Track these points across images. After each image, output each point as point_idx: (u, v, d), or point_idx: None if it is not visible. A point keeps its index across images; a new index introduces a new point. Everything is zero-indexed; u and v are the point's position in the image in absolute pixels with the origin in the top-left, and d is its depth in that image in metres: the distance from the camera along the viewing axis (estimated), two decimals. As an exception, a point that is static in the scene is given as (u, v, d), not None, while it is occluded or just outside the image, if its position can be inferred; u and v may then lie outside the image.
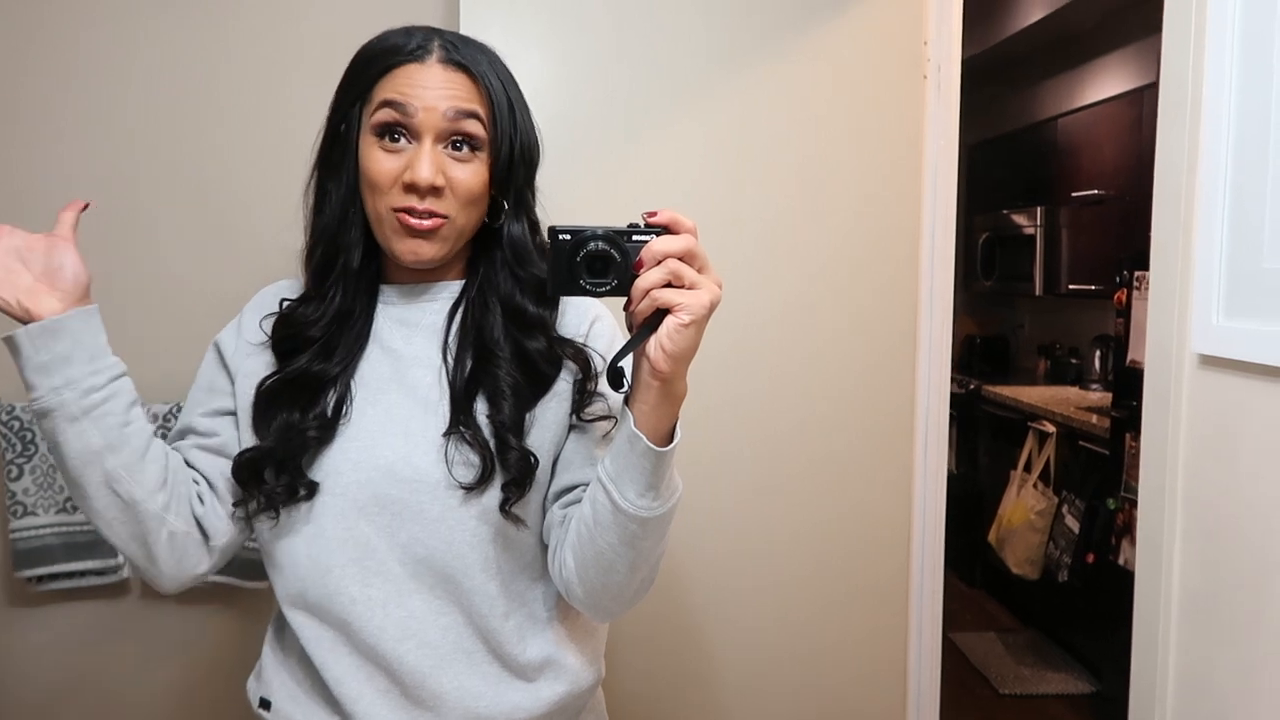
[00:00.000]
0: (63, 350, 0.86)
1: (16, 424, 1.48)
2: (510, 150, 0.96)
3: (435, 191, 0.92)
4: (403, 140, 0.92)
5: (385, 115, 0.92)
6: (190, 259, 1.56)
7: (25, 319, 0.85)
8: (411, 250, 0.94)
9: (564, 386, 0.98)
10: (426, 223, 0.92)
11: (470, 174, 0.94)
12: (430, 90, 0.92)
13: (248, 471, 0.97)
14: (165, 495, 0.93)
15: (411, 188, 0.91)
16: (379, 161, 0.92)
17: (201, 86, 1.55)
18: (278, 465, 0.95)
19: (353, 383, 0.98)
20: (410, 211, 0.92)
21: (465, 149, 0.94)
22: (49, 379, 0.85)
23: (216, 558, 1.00)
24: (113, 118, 1.52)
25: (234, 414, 1.01)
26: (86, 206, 0.94)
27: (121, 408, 0.90)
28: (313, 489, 0.95)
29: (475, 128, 0.93)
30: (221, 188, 1.56)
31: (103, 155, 1.52)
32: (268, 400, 0.98)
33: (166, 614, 1.59)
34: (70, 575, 1.53)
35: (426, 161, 0.91)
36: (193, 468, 0.99)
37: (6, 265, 0.86)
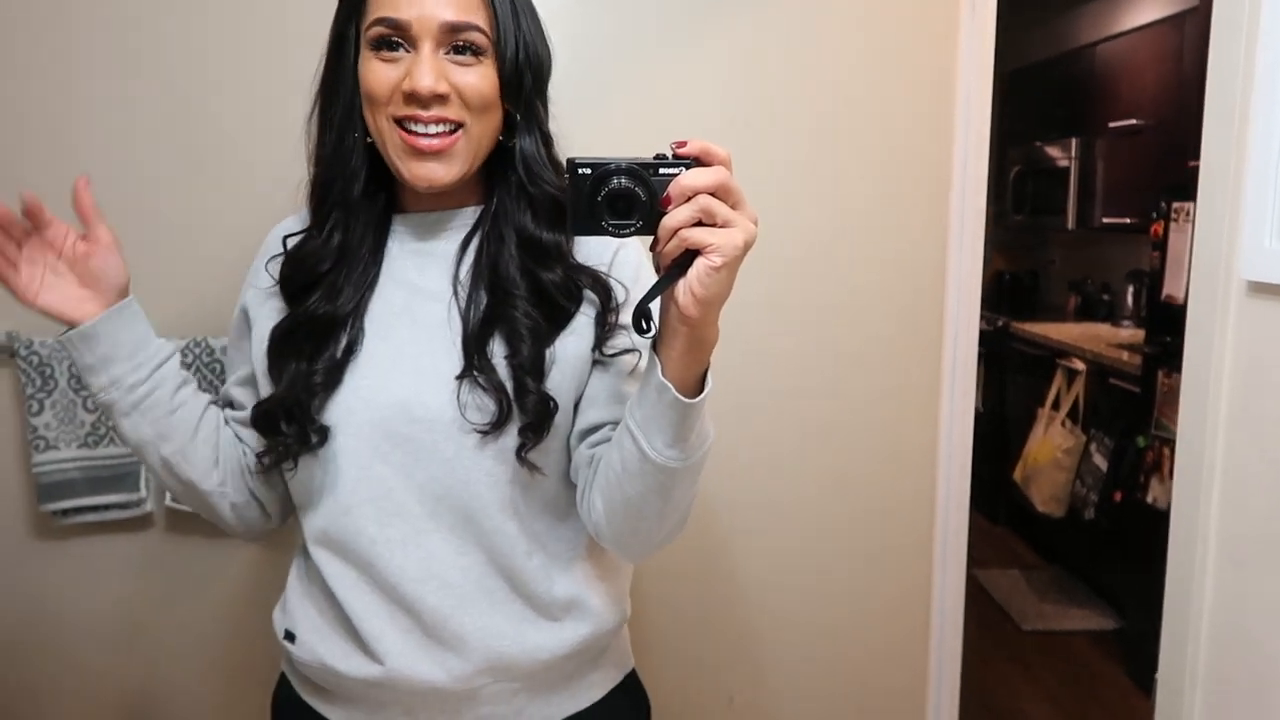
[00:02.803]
0: (104, 352, 0.91)
1: (36, 359, 1.48)
2: (515, 55, 0.91)
3: (439, 99, 0.87)
4: (401, 50, 0.88)
5: (379, 30, 0.88)
6: (190, 196, 1.53)
7: (70, 324, 0.91)
8: (422, 175, 0.90)
9: (584, 320, 0.94)
10: (435, 141, 0.88)
11: (478, 77, 0.89)
12: None
13: (264, 423, 0.96)
14: (219, 473, 1.00)
15: (412, 97, 0.87)
16: (375, 72, 0.88)
17: (199, 18, 1.50)
18: (287, 414, 0.93)
19: (364, 321, 0.96)
20: (415, 121, 0.88)
21: (468, 53, 0.89)
22: (97, 379, 0.92)
23: (277, 516, 1.09)
24: (112, 58, 1.48)
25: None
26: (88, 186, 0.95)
27: (166, 396, 0.95)
28: (324, 434, 0.93)
29: (475, 35, 0.89)
30: (217, 123, 1.52)
31: (103, 96, 1.49)
32: (278, 348, 0.96)
33: (191, 546, 1.60)
34: (94, 509, 1.53)
35: (426, 67, 0.87)
36: (240, 440, 1.03)
37: (49, 276, 0.91)
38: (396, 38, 0.87)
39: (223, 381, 1.51)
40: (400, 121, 0.89)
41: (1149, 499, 2.73)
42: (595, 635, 1.00)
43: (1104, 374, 3.18)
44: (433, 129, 0.88)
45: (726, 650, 1.77)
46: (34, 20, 1.46)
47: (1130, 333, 3.54)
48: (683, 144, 0.74)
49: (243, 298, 1.05)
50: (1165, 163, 3.26)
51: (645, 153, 0.75)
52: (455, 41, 0.88)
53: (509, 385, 0.90)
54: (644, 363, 0.88)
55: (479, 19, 0.89)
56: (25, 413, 1.49)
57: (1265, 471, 0.98)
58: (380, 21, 0.87)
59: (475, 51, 0.89)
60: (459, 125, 0.89)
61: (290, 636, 1.01)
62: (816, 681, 1.80)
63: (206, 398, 1.02)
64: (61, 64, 1.47)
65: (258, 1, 1.50)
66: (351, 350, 0.94)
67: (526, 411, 0.90)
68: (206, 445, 0.99)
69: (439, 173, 0.90)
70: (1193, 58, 3.09)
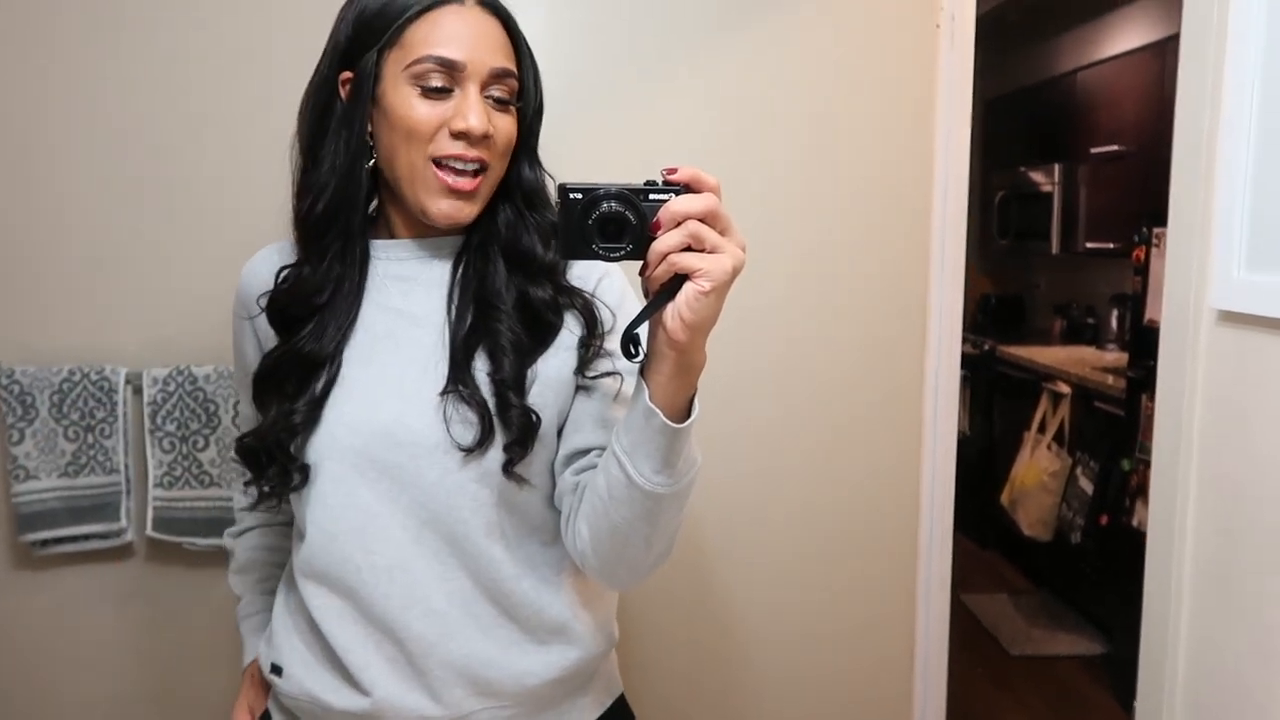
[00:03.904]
0: None
1: (16, 388, 1.48)
2: (537, 99, 0.96)
3: (485, 141, 0.90)
4: (446, 89, 0.89)
5: (427, 66, 0.88)
6: (174, 227, 1.53)
7: None
8: (449, 213, 0.91)
9: (569, 340, 0.95)
10: (466, 181, 0.90)
11: (508, 124, 0.93)
12: (475, 39, 0.89)
13: (247, 459, 0.97)
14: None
15: (463, 136, 0.88)
16: (418, 109, 0.89)
17: (184, 49, 1.51)
18: (268, 454, 0.94)
19: (345, 353, 0.96)
20: (459, 160, 0.89)
21: (504, 99, 0.92)
22: None
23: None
24: (94, 88, 1.49)
25: None
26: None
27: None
28: (306, 473, 0.94)
29: (513, 83, 0.92)
30: (201, 154, 1.53)
31: (87, 125, 1.49)
32: (263, 384, 0.97)
33: (172, 576, 1.59)
34: (74, 539, 1.53)
35: (478, 109, 0.88)
36: None
37: None
38: (443, 77, 0.89)
39: (204, 408, 1.52)
40: (438, 160, 0.90)
41: (1134, 522, 2.74)
42: (583, 660, 0.99)
43: (1089, 397, 3.19)
44: (469, 168, 0.90)
45: (710, 675, 1.76)
46: (16, 48, 1.46)
47: (1115, 356, 3.56)
48: (673, 170, 0.74)
49: (238, 328, 1.05)
50: (1147, 188, 3.29)
51: (634, 180, 0.76)
52: (495, 86, 0.91)
53: (491, 402, 0.91)
54: (629, 388, 0.88)
55: (515, 66, 0.93)
56: (5, 442, 1.48)
57: (1239, 497, 0.98)
58: (430, 59, 0.88)
59: (509, 98, 0.92)
60: (485, 167, 0.91)
61: (277, 670, 1.00)
62: (803, 707, 1.79)
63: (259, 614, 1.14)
64: (44, 92, 1.48)
65: (244, 30, 1.51)
66: (330, 387, 0.95)
67: (510, 427, 0.91)
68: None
69: (465, 211, 0.92)
70: (1173, 85, 3.12)
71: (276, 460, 0.94)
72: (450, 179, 0.89)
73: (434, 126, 0.89)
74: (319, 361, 0.95)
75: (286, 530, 1.12)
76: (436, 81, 0.88)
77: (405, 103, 0.89)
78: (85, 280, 1.52)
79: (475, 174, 0.90)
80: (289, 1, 1.50)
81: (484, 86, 0.90)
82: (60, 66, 1.47)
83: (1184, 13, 1.06)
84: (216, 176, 1.53)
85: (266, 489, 0.97)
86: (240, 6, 1.51)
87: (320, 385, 0.94)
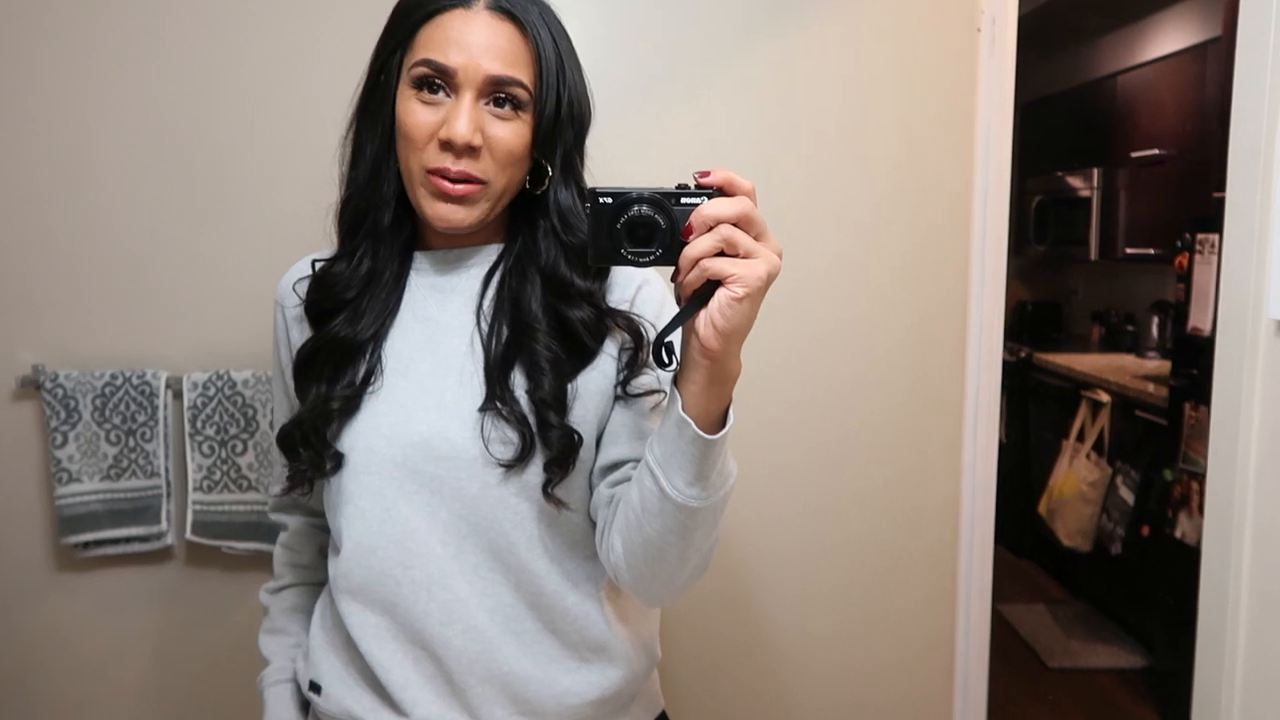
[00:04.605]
0: None
1: (60, 391, 1.49)
2: (556, 109, 0.90)
3: (471, 151, 0.87)
4: (441, 93, 0.88)
5: (423, 70, 0.87)
6: (216, 233, 1.54)
7: None
8: (443, 216, 0.89)
9: (608, 357, 0.93)
10: (460, 186, 0.88)
11: (510, 133, 0.89)
12: (474, 44, 0.86)
13: (285, 445, 0.96)
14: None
15: (447, 145, 0.87)
16: (415, 114, 0.88)
17: (225, 56, 1.52)
18: (304, 438, 0.93)
19: (384, 351, 0.95)
20: (444, 173, 0.87)
21: (507, 106, 0.88)
22: None
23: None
24: (137, 94, 1.51)
25: None
26: None
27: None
28: (339, 460, 0.93)
29: (518, 90, 0.88)
30: (244, 159, 1.54)
31: (130, 132, 1.51)
32: (302, 371, 0.96)
33: (211, 579, 1.60)
34: (115, 541, 1.54)
35: (464, 118, 0.86)
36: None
37: None
38: (439, 81, 0.87)
39: (243, 413, 1.53)
40: (429, 170, 0.89)
41: (1177, 534, 2.68)
42: (625, 680, 0.98)
43: (1129, 406, 3.13)
44: (459, 184, 0.88)
45: (752, 694, 1.75)
46: (59, 55, 1.48)
47: (1155, 364, 3.50)
48: (706, 174, 0.72)
49: (276, 327, 1.05)
50: (1189, 193, 3.23)
51: (668, 185, 0.74)
52: (497, 94, 0.88)
53: (531, 419, 0.89)
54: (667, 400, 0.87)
55: (523, 73, 0.88)
56: (49, 445, 1.50)
57: (1298, 512, 0.96)
58: (425, 63, 0.87)
59: (515, 105, 0.89)
60: (482, 181, 0.89)
61: (316, 688, 1.00)
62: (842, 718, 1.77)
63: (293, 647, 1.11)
64: (87, 99, 1.49)
65: (287, 35, 1.52)
66: (369, 380, 0.94)
67: (550, 446, 0.89)
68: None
69: (459, 215, 0.89)
70: (1215, 88, 3.08)
71: (311, 445, 0.93)
72: (440, 183, 0.88)
73: (426, 133, 0.87)
74: (354, 347, 0.94)
75: (321, 591, 1.10)
76: (430, 86, 0.87)
77: (405, 106, 0.89)
78: (128, 286, 1.53)
79: (471, 182, 0.88)
80: (334, 5, 1.51)
81: (481, 94, 0.87)
82: (102, 72, 1.49)
83: (1241, 13, 1.03)
84: (257, 184, 1.54)
85: (297, 476, 0.96)
86: (285, 10, 1.52)
87: (360, 375, 0.94)
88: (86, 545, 1.53)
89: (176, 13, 1.50)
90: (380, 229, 0.95)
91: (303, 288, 0.99)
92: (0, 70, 1.46)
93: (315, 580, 1.13)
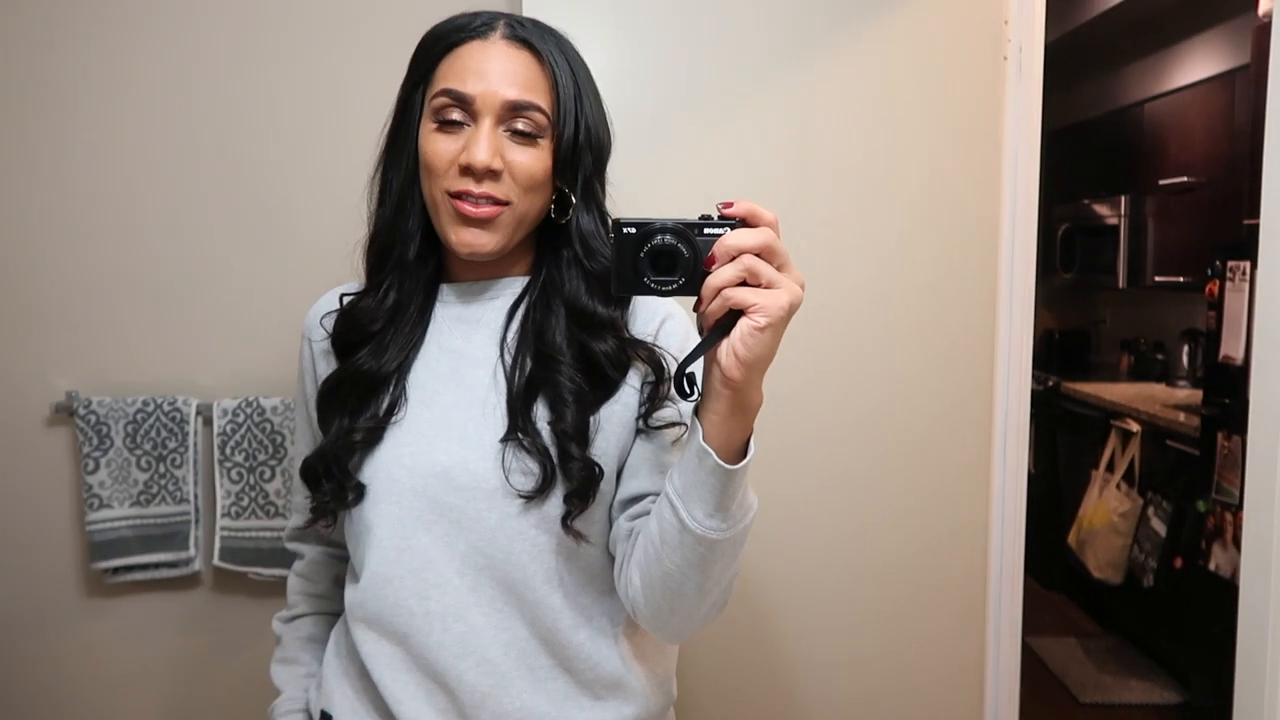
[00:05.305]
0: None
1: (93, 418, 1.51)
2: (575, 136, 0.91)
3: (492, 175, 0.88)
4: (462, 122, 0.89)
5: (443, 100, 0.89)
6: (248, 262, 1.57)
7: None
8: (467, 241, 0.90)
9: (630, 389, 0.93)
10: (483, 209, 0.89)
11: (530, 159, 0.90)
12: (492, 72, 0.88)
13: (308, 477, 0.97)
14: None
15: (467, 170, 0.88)
16: (436, 143, 0.89)
17: (262, 87, 1.55)
18: (326, 470, 0.94)
19: (408, 383, 0.96)
20: (466, 195, 0.88)
21: (526, 133, 0.90)
22: None
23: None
24: (174, 125, 1.53)
25: None
26: None
27: None
28: (360, 492, 0.93)
29: (536, 115, 0.90)
30: (276, 191, 1.56)
31: (164, 162, 1.54)
32: (325, 402, 0.97)
33: (236, 607, 1.60)
34: (144, 567, 1.55)
35: (484, 143, 0.87)
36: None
37: None
38: (459, 111, 0.89)
39: (271, 440, 1.54)
40: (452, 194, 0.90)
41: (1211, 566, 2.63)
42: (640, 718, 0.97)
43: (1160, 435, 3.09)
44: (481, 207, 0.89)
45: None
46: (96, 86, 1.51)
47: (1187, 393, 3.45)
48: (729, 204, 0.73)
49: (301, 358, 1.06)
50: (1218, 220, 3.20)
51: (692, 216, 0.74)
52: (515, 120, 0.89)
53: (552, 450, 0.89)
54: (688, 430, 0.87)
55: (541, 99, 0.90)
56: (81, 471, 1.51)
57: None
58: (445, 93, 0.89)
59: (534, 131, 0.90)
60: (505, 204, 0.90)
61: (327, 717, 0.99)
62: (867, 755, 1.74)
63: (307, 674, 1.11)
64: (125, 130, 1.52)
65: (319, 69, 1.55)
66: (393, 411, 0.94)
67: (571, 478, 0.89)
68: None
69: (483, 239, 0.90)
70: (1244, 115, 3.06)
71: (334, 476, 0.93)
72: (466, 206, 0.89)
73: (447, 161, 0.89)
74: (378, 379, 0.95)
75: (336, 621, 1.10)
76: (450, 115, 0.89)
77: (426, 137, 0.90)
78: (160, 314, 1.55)
79: (494, 205, 0.89)
80: (368, 38, 1.54)
81: (500, 121, 0.89)
82: (140, 103, 1.52)
83: (1273, 40, 1.03)
84: (290, 214, 1.56)
85: (319, 508, 0.96)
86: (326, 48, 1.54)
87: (384, 407, 0.94)
88: (116, 570, 1.55)
89: (219, 48, 1.53)
90: (406, 262, 0.96)
91: (329, 322, 1.00)
92: (43, 103, 1.50)
93: (330, 610, 1.13)
